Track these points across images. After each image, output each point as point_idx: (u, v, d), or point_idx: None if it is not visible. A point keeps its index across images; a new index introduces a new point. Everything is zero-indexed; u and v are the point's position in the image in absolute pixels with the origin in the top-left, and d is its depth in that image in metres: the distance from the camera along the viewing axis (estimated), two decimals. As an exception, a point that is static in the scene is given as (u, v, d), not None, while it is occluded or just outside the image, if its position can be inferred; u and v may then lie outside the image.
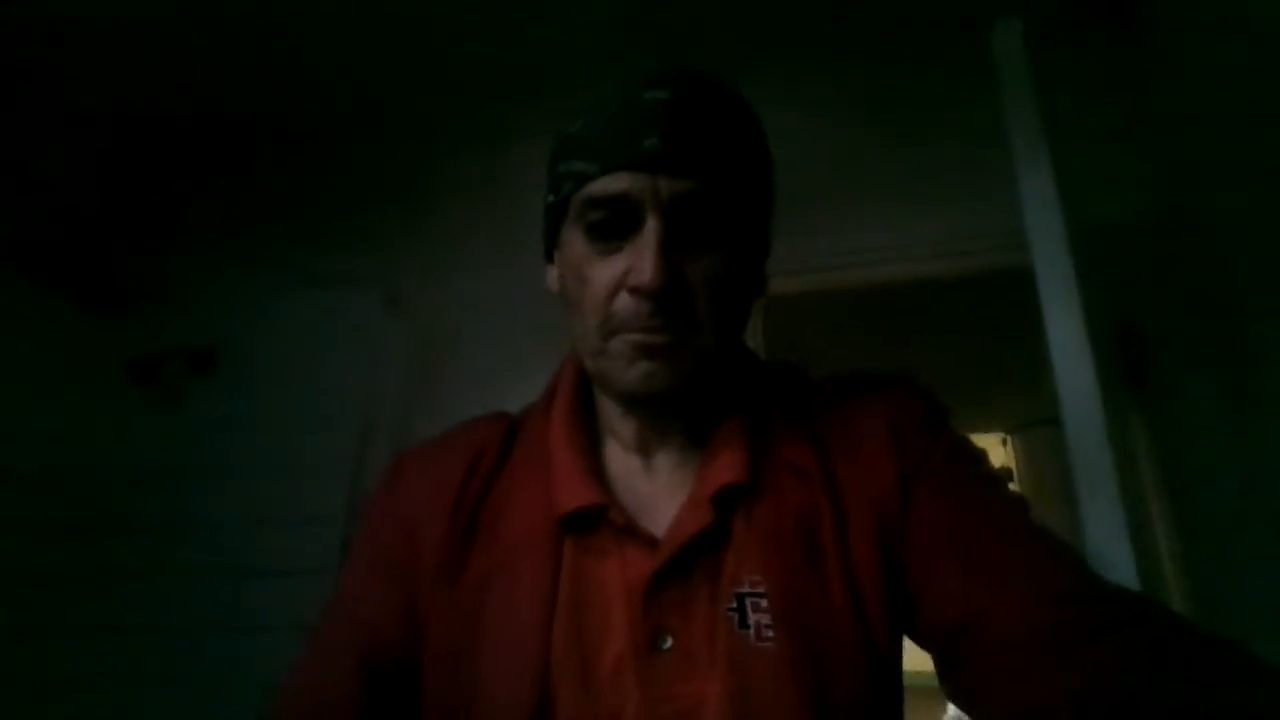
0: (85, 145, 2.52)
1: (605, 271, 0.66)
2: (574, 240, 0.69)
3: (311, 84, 2.40)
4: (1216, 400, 1.65)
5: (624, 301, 0.65)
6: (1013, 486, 3.79)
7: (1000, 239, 1.79)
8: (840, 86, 2.21)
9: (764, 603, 0.63)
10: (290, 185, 2.57)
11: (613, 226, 0.66)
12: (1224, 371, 1.64)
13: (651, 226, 0.63)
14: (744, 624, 0.62)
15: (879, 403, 0.73)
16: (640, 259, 0.63)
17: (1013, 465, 3.93)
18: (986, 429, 4.11)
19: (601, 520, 0.68)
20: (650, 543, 0.67)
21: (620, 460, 0.74)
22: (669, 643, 0.63)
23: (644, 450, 0.73)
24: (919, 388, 0.75)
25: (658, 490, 0.71)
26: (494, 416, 0.82)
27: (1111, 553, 0.99)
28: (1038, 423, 3.64)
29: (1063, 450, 1.18)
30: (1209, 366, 1.67)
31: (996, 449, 4.09)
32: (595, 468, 0.72)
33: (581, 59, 2.29)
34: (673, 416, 0.73)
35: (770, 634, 0.62)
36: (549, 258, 0.77)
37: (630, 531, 0.67)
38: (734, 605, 0.63)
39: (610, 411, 0.75)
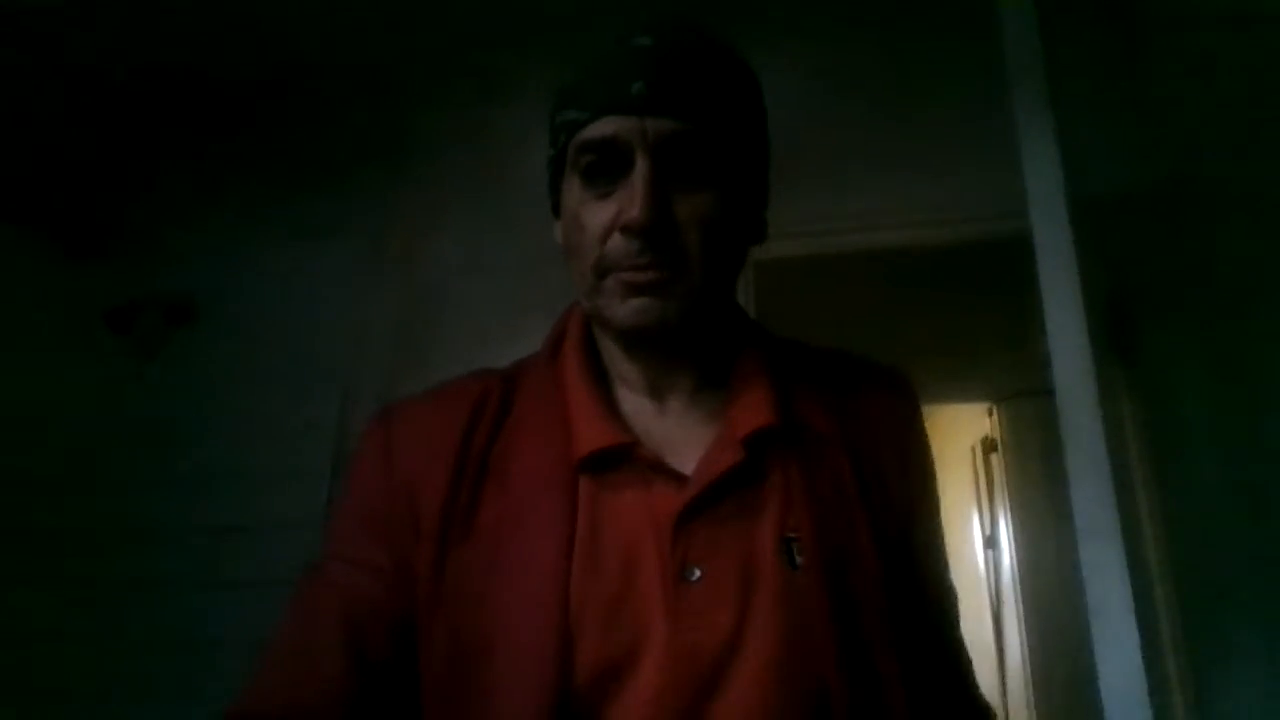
0: (70, 94, 2.45)
1: (599, 215, 0.68)
2: (571, 188, 0.71)
3: (297, 37, 2.34)
4: (1203, 371, 1.66)
5: (615, 241, 0.67)
6: (996, 456, 3.78)
7: (996, 207, 1.78)
8: (841, 51, 2.18)
9: (806, 549, 0.66)
10: (276, 137, 2.52)
11: (604, 170, 0.68)
12: (1211, 343, 1.65)
13: (640, 167, 0.66)
14: (793, 565, 0.66)
15: (895, 404, 0.79)
16: (630, 199, 0.65)
17: (997, 436, 3.96)
18: (972, 399, 4.13)
19: (624, 459, 0.69)
20: (677, 479, 0.68)
21: (631, 402, 0.75)
22: (697, 574, 0.65)
23: (654, 393, 0.75)
24: (915, 394, 0.81)
25: (674, 431, 0.73)
26: (484, 371, 0.82)
27: (1099, 522, 0.99)
28: (1024, 393, 3.66)
29: (1048, 421, 1.18)
30: (1196, 338, 1.68)
31: (981, 419, 4.11)
32: (613, 408, 0.73)
33: (570, 12, 2.24)
34: (678, 357, 0.74)
35: (809, 576, 0.66)
36: (555, 213, 0.78)
37: (658, 467, 0.69)
38: (783, 547, 0.66)
39: (615, 355, 0.76)
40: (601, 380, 0.76)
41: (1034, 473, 3.62)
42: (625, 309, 0.68)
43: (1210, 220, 1.67)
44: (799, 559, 0.66)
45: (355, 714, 0.65)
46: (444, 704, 0.66)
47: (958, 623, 0.79)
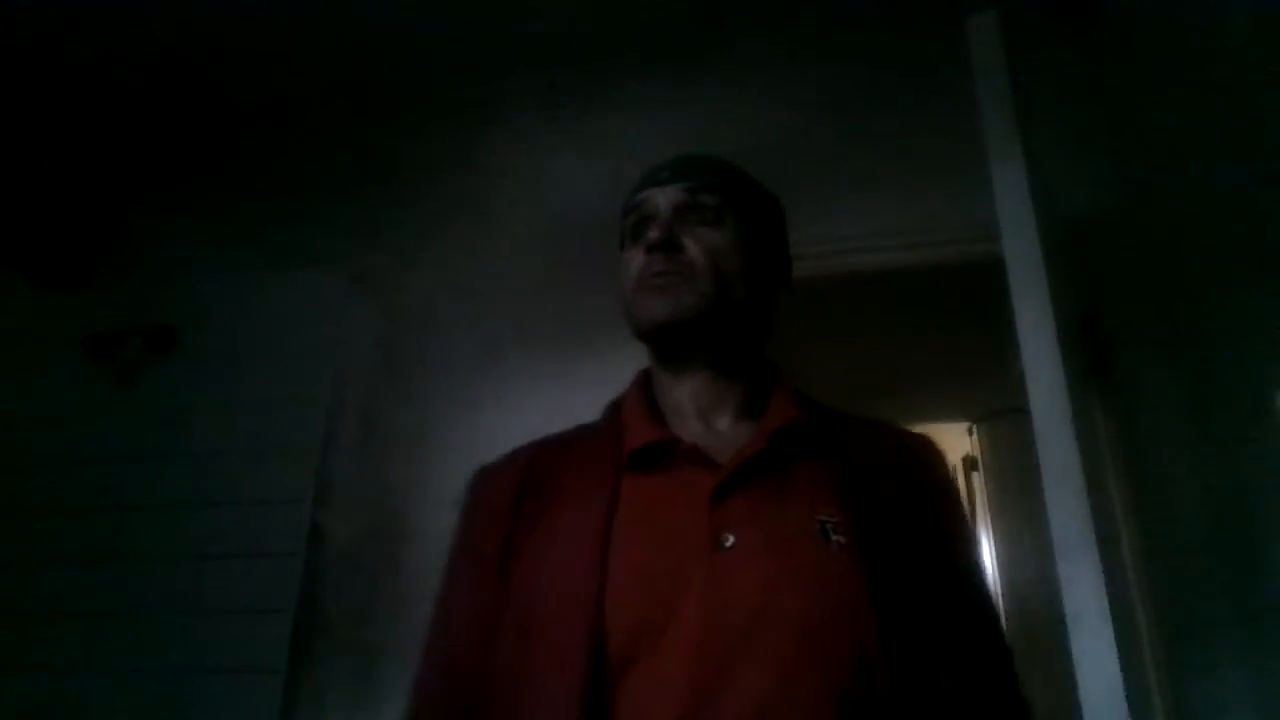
0: (50, 122, 2.45)
1: (637, 256, 0.90)
2: (625, 245, 0.96)
3: (281, 62, 2.36)
4: (1176, 390, 1.68)
5: (640, 261, 0.89)
6: (977, 475, 3.81)
7: (973, 230, 1.81)
8: (818, 78, 2.21)
9: (841, 529, 0.75)
10: (257, 163, 2.52)
11: (642, 227, 0.92)
12: (1183, 363, 1.68)
13: (661, 212, 0.91)
14: (826, 540, 0.74)
15: (924, 453, 0.92)
16: (651, 233, 0.88)
17: (978, 455, 3.99)
18: (952, 418, 4.16)
19: (667, 454, 0.83)
20: (714, 466, 0.80)
21: (682, 426, 0.88)
22: (730, 540, 0.74)
23: (702, 418, 0.88)
24: (942, 452, 0.94)
25: (716, 439, 0.85)
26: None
27: (1075, 540, 1.01)
28: (1003, 412, 3.69)
29: (1026, 440, 1.20)
30: (1169, 357, 1.71)
31: (962, 438, 4.14)
32: (663, 421, 0.88)
33: (552, 42, 2.28)
34: (722, 380, 0.89)
35: (847, 553, 0.73)
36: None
37: (696, 456, 0.81)
38: (818, 527, 0.75)
39: (666, 384, 0.92)
40: (657, 412, 0.90)
41: (1014, 490, 3.65)
42: (647, 304, 0.87)
43: (1178, 241, 1.70)
44: (835, 538, 0.74)
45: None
46: (506, 670, 0.77)
47: (1003, 636, 0.85)
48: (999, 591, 3.74)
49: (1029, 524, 3.45)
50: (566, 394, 1.99)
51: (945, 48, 1.49)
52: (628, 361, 1.97)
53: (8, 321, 2.33)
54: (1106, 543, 1.05)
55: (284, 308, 2.23)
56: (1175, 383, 1.69)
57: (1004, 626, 0.86)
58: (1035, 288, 1.15)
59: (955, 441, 4.24)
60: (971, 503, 4.11)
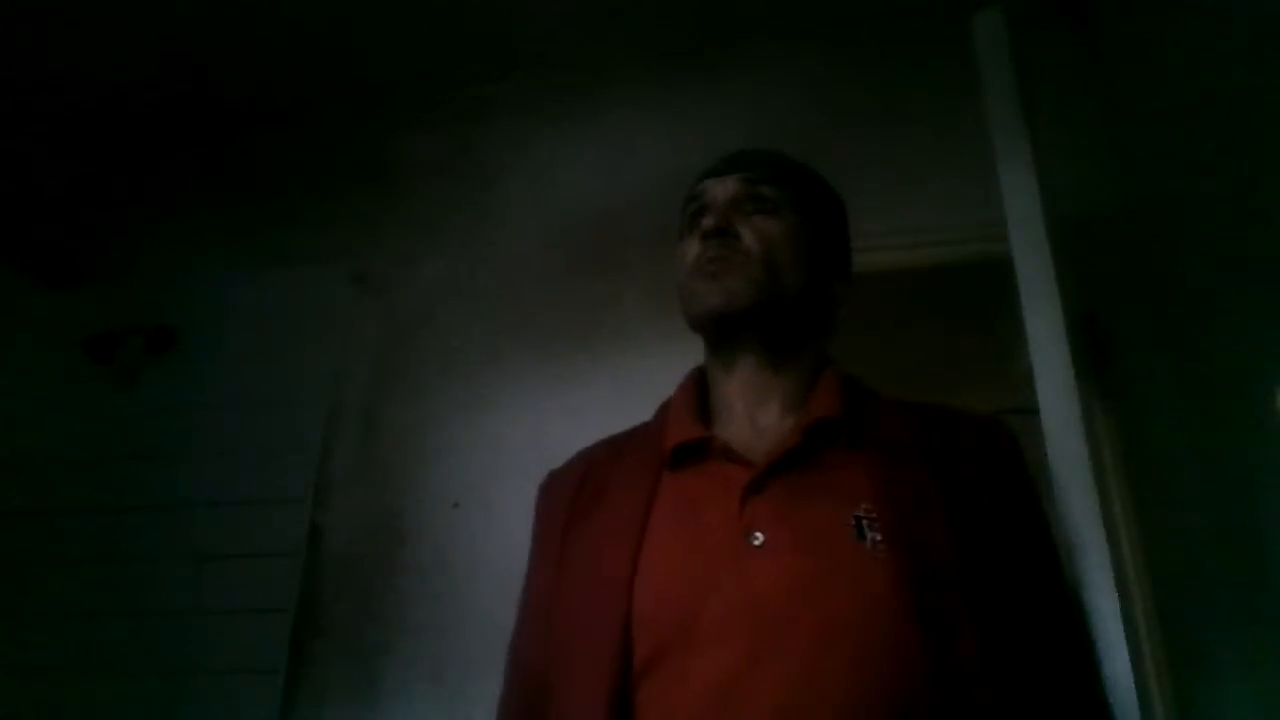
0: (48, 123, 2.44)
1: (694, 243, 0.91)
2: (683, 233, 0.96)
3: (279, 62, 2.35)
4: (1176, 390, 1.69)
5: (695, 249, 0.90)
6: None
7: (971, 230, 1.81)
8: (826, 76, 2.21)
9: (878, 526, 0.73)
10: (257, 163, 2.52)
11: (699, 216, 0.92)
12: (1183, 362, 1.68)
13: (718, 201, 0.92)
14: (860, 538, 0.73)
15: (993, 437, 0.87)
16: (706, 220, 0.90)
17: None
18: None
19: (704, 451, 0.84)
20: (748, 464, 0.80)
21: (730, 424, 0.88)
22: (760, 538, 0.74)
23: (751, 415, 0.87)
24: (1013, 435, 0.88)
25: (760, 437, 0.85)
26: None
27: (1086, 539, 1.01)
28: (1011, 411, 3.68)
29: (1033, 439, 1.19)
30: (1169, 357, 1.71)
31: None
32: (704, 416, 0.89)
33: (552, 42, 2.27)
34: (767, 369, 0.88)
35: (883, 551, 0.71)
36: None
37: (730, 454, 0.82)
38: (854, 524, 0.73)
39: (718, 377, 0.91)
40: (704, 407, 0.91)
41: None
42: (699, 291, 0.87)
43: (1178, 241, 1.71)
44: (871, 535, 0.73)
45: None
46: (553, 664, 0.80)
47: (1082, 634, 0.84)
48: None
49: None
50: (566, 393, 2.00)
51: (953, 44, 1.49)
52: (628, 361, 1.98)
53: (8, 321, 2.32)
54: (1113, 544, 1.05)
55: (284, 307, 2.22)
56: (1175, 382, 1.69)
57: (1085, 624, 0.85)
58: (1045, 287, 1.15)
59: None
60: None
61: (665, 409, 0.94)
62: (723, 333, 0.89)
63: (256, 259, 2.33)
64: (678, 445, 0.84)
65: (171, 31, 2.21)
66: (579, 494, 0.89)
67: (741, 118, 2.18)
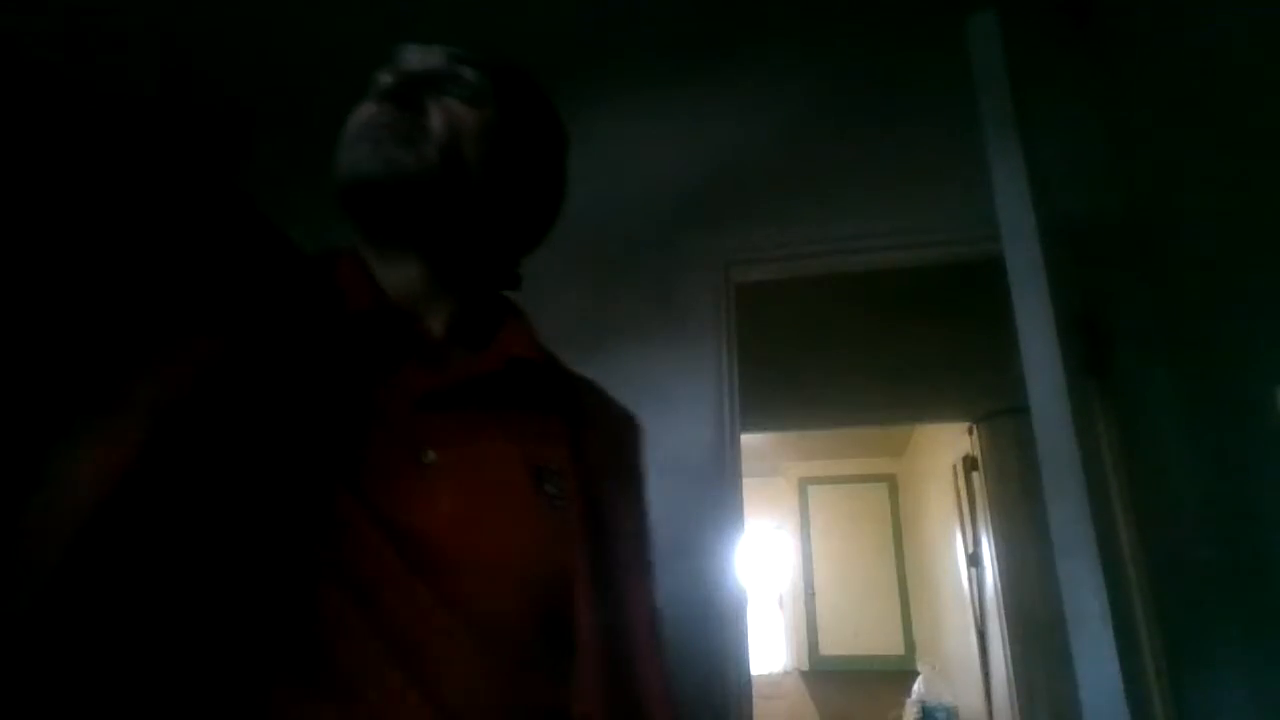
0: (50, 120, 2.45)
1: (367, 108, 0.78)
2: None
3: (280, 62, 2.36)
4: (1175, 390, 1.68)
5: (365, 112, 0.76)
6: (977, 474, 3.80)
7: (968, 230, 1.81)
8: (821, 77, 2.21)
9: (557, 479, 0.71)
10: (257, 163, 2.52)
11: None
12: (1183, 362, 1.68)
13: (409, 66, 0.79)
14: (540, 484, 0.70)
15: (628, 425, 0.88)
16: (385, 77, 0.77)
17: (978, 454, 3.99)
18: (952, 418, 4.16)
19: (384, 332, 0.71)
20: (430, 365, 0.71)
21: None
22: (431, 457, 0.66)
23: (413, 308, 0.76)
24: (642, 429, 0.90)
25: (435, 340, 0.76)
26: None
27: (1075, 537, 1.01)
28: (1003, 412, 3.69)
29: (1026, 439, 1.20)
30: (1169, 357, 1.70)
31: (962, 438, 4.14)
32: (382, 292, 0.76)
33: (549, 42, 2.28)
34: (436, 282, 0.75)
35: (561, 503, 0.70)
36: None
37: (422, 343, 0.73)
38: (533, 472, 0.70)
39: (372, 269, 0.76)
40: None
41: (1014, 490, 3.65)
42: (351, 154, 0.74)
43: (1177, 241, 1.70)
44: (548, 487, 0.70)
45: None
46: None
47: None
48: (999, 591, 3.74)
49: (1029, 524, 3.45)
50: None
51: (951, 44, 1.49)
52: (627, 361, 1.98)
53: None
54: (1106, 543, 1.05)
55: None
56: (1175, 382, 1.69)
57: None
58: (1035, 286, 1.15)
59: (955, 441, 4.25)
60: (972, 503, 4.11)
61: (325, 263, 0.81)
62: (374, 212, 0.73)
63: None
64: (369, 309, 0.73)
65: (173, 32, 2.22)
66: None
67: (739, 120, 2.18)
